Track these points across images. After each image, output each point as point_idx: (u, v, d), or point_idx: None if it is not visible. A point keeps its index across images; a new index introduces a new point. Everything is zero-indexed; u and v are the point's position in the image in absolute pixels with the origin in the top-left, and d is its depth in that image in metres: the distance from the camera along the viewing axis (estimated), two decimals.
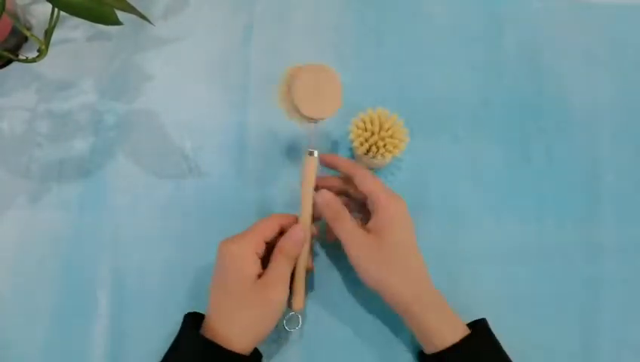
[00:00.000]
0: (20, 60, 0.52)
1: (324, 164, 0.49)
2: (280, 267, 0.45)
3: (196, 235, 0.53)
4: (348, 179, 0.49)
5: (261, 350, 0.47)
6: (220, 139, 0.57)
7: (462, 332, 0.44)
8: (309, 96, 0.43)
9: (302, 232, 0.46)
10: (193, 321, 0.45)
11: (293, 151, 0.56)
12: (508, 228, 0.54)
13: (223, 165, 0.56)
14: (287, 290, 0.45)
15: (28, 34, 0.53)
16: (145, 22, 0.50)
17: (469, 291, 0.52)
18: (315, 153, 0.47)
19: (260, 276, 0.44)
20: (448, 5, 0.62)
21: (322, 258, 0.53)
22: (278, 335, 0.50)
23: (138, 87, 0.58)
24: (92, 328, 0.51)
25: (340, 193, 0.49)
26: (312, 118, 0.45)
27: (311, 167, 0.47)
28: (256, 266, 0.44)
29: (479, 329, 0.45)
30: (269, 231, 0.46)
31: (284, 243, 0.46)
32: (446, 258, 0.53)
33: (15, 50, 0.58)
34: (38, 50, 0.52)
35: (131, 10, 0.49)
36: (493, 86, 0.59)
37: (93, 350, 0.50)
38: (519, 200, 0.55)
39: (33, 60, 0.52)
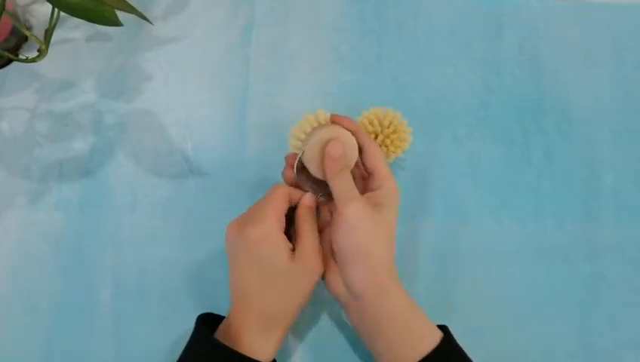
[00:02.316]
0: (20, 60, 0.52)
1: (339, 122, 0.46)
2: (307, 234, 0.43)
3: (196, 235, 0.53)
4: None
5: None
6: (220, 139, 0.57)
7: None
8: (317, 159, 0.44)
9: (313, 198, 0.46)
10: (205, 324, 0.43)
11: None
12: (508, 228, 0.55)
13: (223, 165, 0.56)
14: (321, 258, 0.43)
15: (28, 34, 0.53)
16: (145, 22, 0.50)
17: (468, 291, 0.52)
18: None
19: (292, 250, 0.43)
20: (448, 5, 0.62)
21: None
22: None
23: (138, 87, 0.58)
24: (92, 328, 0.50)
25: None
26: (319, 180, 0.45)
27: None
28: (287, 244, 0.43)
29: (444, 342, 0.41)
30: (283, 204, 0.44)
31: (301, 212, 0.45)
32: (446, 258, 0.53)
33: (15, 50, 0.58)
34: (38, 50, 0.52)
35: (131, 10, 0.49)
36: (493, 86, 0.59)
37: (94, 350, 0.50)
38: (519, 200, 0.55)
39: (33, 60, 0.52)
